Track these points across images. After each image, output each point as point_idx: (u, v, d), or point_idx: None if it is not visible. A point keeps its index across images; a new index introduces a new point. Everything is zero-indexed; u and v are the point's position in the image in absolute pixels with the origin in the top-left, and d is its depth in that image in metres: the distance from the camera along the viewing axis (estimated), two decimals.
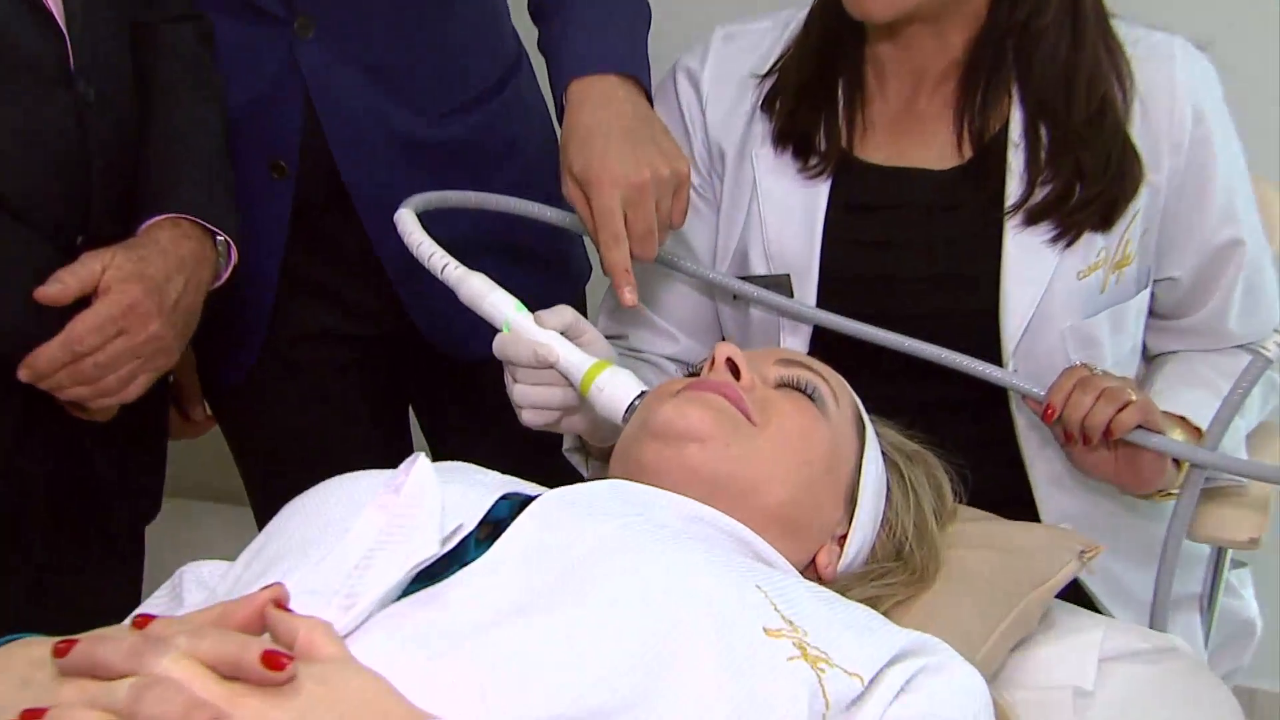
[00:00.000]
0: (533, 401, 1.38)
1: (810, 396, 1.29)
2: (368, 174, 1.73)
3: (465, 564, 1.02)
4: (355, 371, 1.91)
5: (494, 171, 1.76)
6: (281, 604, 0.88)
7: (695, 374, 1.36)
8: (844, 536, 1.31)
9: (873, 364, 1.57)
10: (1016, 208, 1.54)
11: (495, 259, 1.69)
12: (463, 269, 1.40)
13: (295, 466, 1.81)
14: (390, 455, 1.87)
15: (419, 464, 1.06)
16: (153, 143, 1.53)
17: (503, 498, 1.12)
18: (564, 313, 1.38)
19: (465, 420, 1.92)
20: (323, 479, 1.66)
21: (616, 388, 1.33)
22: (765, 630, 1.00)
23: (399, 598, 1.00)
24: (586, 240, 1.62)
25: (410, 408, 2.08)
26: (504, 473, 1.29)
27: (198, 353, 1.86)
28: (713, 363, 1.29)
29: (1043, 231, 1.54)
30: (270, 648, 0.83)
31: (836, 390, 1.33)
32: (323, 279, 1.81)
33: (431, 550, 1.00)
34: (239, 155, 1.64)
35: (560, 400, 1.38)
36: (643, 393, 1.30)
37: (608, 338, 1.57)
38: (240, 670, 0.82)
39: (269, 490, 1.90)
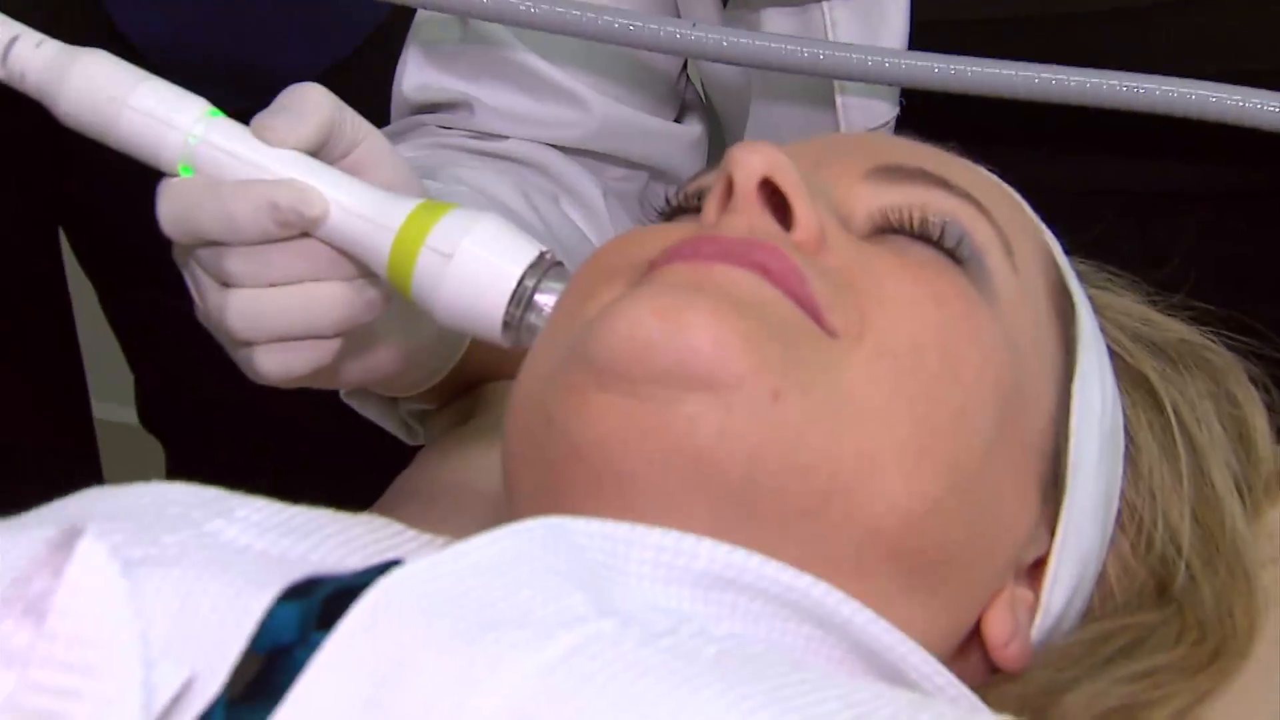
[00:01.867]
0: (275, 325, 0.88)
1: (953, 253, 0.82)
2: None
3: None
4: None
5: None
6: None
7: (676, 212, 0.90)
8: (1039, 564, 0.84)
9: (1044, 137, 1.06)
10: None
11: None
12: (56, 45, 0.89)
13: None
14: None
15: (82, 546, 0.67)
16: None
17: (288, 595, 0.71)
18: (310, 105, 0.89)
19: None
20: None
21: (480, 254, 0.85)
22: None
23: None
24: None
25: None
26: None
27: None
28: (728, 186, 0.81)
29: None
30: None
31: (1006, 227, 0.85)
32: None
33: None
34: None
35: (341, 312, 0.89)
36: (542, 254, 0.86)
37: (424, 109, 1.18)
38: None
39: None
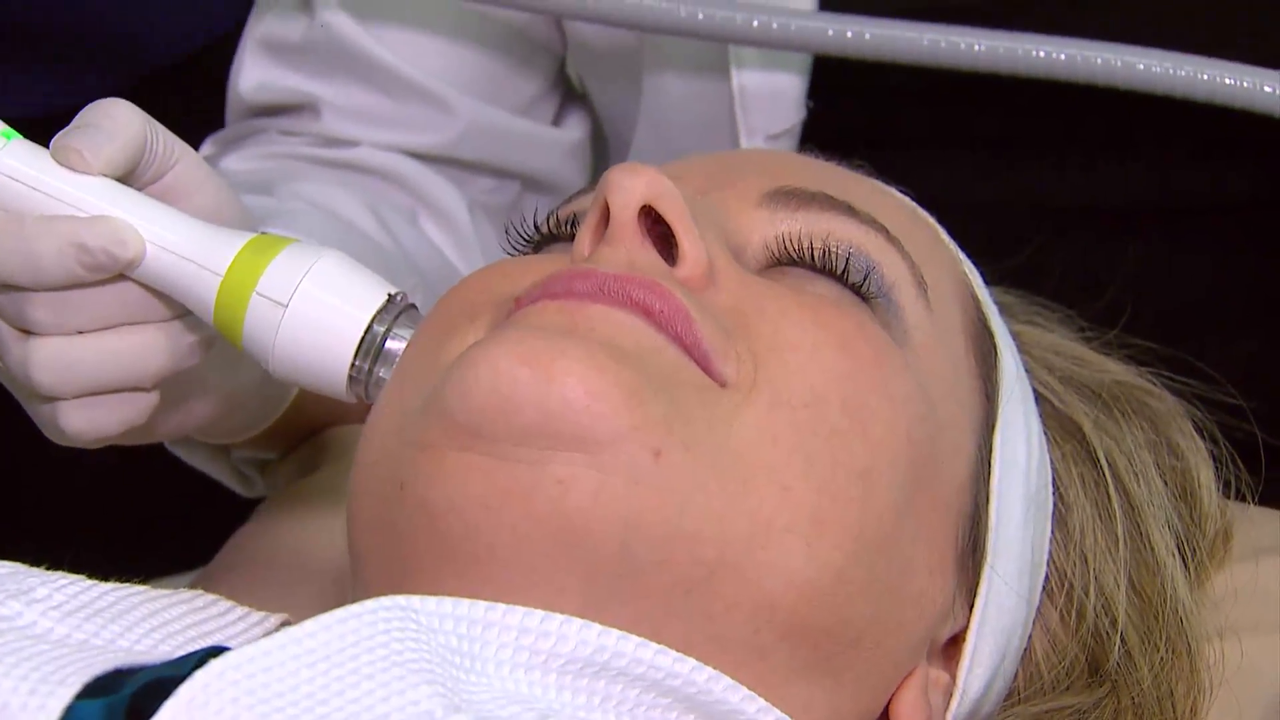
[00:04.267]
0: (86, 377, 0.85)
1: (859, 290, 0.82)
2: None
3: None
4: None
5: None
6: None
7: (546, 240, 0.89)
8: (956, 640, 0.84)
9: (966, 139, 1.09)
10: None
11: None
12: None
13: None
14: None
15: None
16: None
17: (91, 690, 0.68)
18: (118, 122, 0.84)
19: None
20: None
21: (319, 300, 0.82)
22: None
23: None
24: None
25: None
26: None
27: None
28: (604, 213, 0.79)
29: None
30: None
31: (919, 258, 0.85)
32: None
33: None
34: None
35: (160, 361, 0.86)
36: (391, 297, 0.83)
37: (264, 112, 1.18)
38: None
39: None
